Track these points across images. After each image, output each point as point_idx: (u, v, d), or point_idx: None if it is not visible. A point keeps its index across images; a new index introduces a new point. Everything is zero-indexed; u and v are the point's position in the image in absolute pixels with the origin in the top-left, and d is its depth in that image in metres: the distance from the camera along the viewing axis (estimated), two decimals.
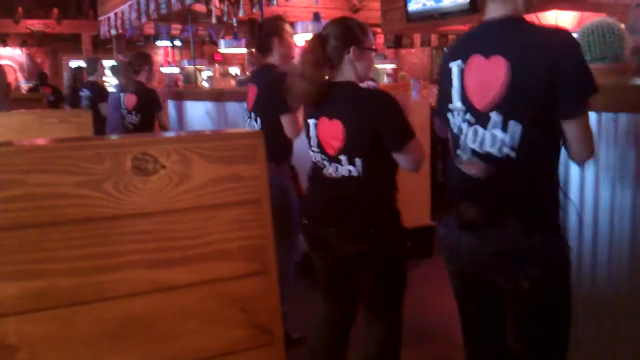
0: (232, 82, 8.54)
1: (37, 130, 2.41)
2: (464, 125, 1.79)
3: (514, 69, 1.67)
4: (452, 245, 1.92)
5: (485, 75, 1.73)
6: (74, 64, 15.81)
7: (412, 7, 6.35)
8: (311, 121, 2.29)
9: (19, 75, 15.65)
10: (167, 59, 15.84)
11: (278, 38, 3.09)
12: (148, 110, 5.02)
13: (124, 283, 1.08)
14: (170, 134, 1.40)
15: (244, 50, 9.84)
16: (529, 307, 1.81)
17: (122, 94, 5.11)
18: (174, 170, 1.11)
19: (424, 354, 3.16)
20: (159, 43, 15.27)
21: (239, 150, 1.16)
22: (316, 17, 7.85)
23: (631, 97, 2.25)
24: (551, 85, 1.63)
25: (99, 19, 12.72)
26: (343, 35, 2.26)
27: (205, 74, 16.03)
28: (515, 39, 1.72)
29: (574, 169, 2.44)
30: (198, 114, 6.40)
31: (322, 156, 2.24)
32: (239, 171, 1.16)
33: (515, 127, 1.68)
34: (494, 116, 1.71)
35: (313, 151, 2.30)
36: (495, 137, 1.71)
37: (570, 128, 1.67)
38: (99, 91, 6.70)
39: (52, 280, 1.03)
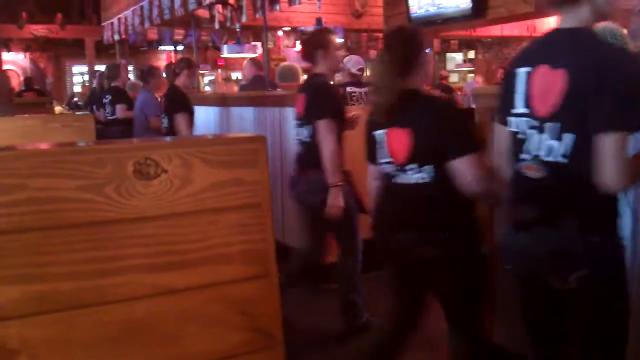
0: (235, 88, 8.55)
1: (40, 134, 2.42)
2: (527, 130, 1.84)
3: (572, 79, 1.73)
4: (508, 244, 1.97)
5: (548, 84, 1.79)
6: (76, 68, 15.89)
7: (415, 12, 6.37)
8: (379, 132, 2.29)
9: (23, 80, 15.70)
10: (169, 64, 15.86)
11: (323, 50, 3.18)
12: (172, 113, 5.00)
13: (125, 287, 1.09)
14: (171, 138, 1.40)
15: (246, 55, 9.87)
16: (581, 308, 1.84)
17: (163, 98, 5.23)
18: (176, 174, 1.11)
19: None
20: (162, 48, 15.32)
21: (240, 155, 1.17)
22: (319, 22, 7.87)
23: None
24: (600, 97, 1.67)
25: (103, 24, 12.77)
26: (410, 43, 2.27)
27: (207, 78, 16.08)
28: (577, 50, 1.79)
29: None
30: (201, 118, 6.41)
31: (392, 166, 2.25)
32: (241, 175, 1.16)
33: (568, 136, 1.74)
34: (551, 124, 1.76)
35: (381, 162, 2.29)
36: (551, 144, 1.76)
37: (602, 143, 1.69)
38: (118, 94, 6.83)
39: (54, 283, 1.04)
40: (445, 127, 2.17)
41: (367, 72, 3.57)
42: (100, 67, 11.67)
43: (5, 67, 14.05)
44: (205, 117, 6.28)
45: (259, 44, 11.20)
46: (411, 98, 2.21)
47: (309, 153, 3.18)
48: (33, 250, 1.02)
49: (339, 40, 3.35)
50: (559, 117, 1.76)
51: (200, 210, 1.13)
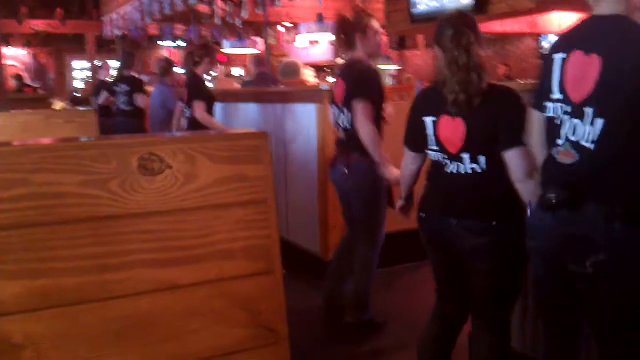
0: (235, 84, 8.54)
1: (42, 129, 2.42)
2: (562, 115, 1.87)
3: (606, 66, 1.75)
4: (533, 224, 2.00)
5: (582, 70, 1.81)
6: (77, 63, 15.86)
7: (416, 8, 6.35)
8: (428, 119, 2.23)
9: (24, 75, 15.68)
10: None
11: (360, 33, 3.13)
12: (191, 100, 4.73)
13: (128, 282, 1.09)
14: (176, 134, 1.40)
15: (247, 51, 9.85)
16: (596, 295, 1.85)
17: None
18: (180, 170, 1.11)
19: None
20: (162, 43, 15.29)
21: (244, 151, 1.16)
22: (319, 18, 7.85)
23: None
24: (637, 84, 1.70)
25: (103, 19, 12.75)
26: (471, 28, 2.22)
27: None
28: (614, 37, 1.81)
29: None
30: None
31: (443, 155, 2.22)
32: (245, 171, 1.16)
33: (599, 121, 1.76)
34: (584, 109, 1.79)
35: (431, 150, 2.26)
36: (583, 130, 1.80)
37: None
38: (137, 83, 6.42)
39: (57, 279, 1.04)
40: (502, 117, 2.15)
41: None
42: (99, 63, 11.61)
43: (5, 62, 14.03)
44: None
45: (259, 39, 11.19)
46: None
47: (350, 138, 3.13)
48: (36, 246, 1.02)
49: (376, 24, 3.26)
50: (591, 103, 1.78)
51: (204, 205, 1.13)
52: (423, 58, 13.99)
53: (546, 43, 9.49)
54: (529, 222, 2.04)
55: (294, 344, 1.23)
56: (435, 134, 2.22)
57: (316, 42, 11.73)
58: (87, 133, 2.43)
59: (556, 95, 1.88)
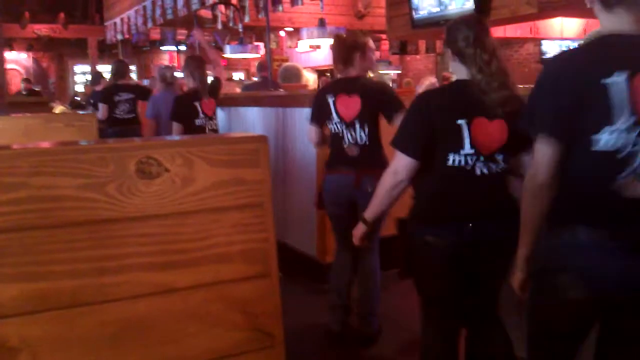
0: (237, 88, 8.56)
1: (42, 133, 2.42)
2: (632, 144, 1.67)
3: None
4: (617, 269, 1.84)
5: None
6: (79, 68, 15.90)
7: (418, 13, 6.36)
8: (461, 121, 2.16)
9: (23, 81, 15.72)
10: (172, 64, 15.90)
11: (360, 53, 3.24)
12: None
13: (126, 285, 1.09)
14: (174, 137, 1.40)
15: (249, 56, 9.87)
16: None
17: (197, 103, 4.77)
18: (178, 173, 1.11)
19: None
20: (164, 48, 15.32)
21: (242, 155, 1.17)
22: (321, 23, 7.87)
23: None
24: None
25: (105, 24, 12.79)
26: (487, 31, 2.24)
27: (210, 78, 16.07)
28: None
29: None
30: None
31: (473, 156, 2.15)
32: (242, 175, 1.16)
33: None
34: None
35: (459, 152, 2.16)
36: None
37: None
38: (147, 93, 6.39)
39: (54, 282, 1.04)
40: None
41: (370, 74, 3.53)
42: (102, 67, 11.63)
43: (8, 66, 14.05)
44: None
45: (261, 44, 11.21)
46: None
47: (371, 154, 3.16)
48: (34, 249, 1.02)
49: (372, 44, 3.40)
50: None
51: (202, 209, 1.13)
52: (424, 63, 14.01)
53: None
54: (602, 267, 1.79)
55: (290, 348, 1.23)
56: (471, 136, 2.15)
57: (318, 47, 11.76)
58: (87, 137, 2.43)
59: (623, 122, 1.65)
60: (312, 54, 13.10)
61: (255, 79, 8.54)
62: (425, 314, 2.38)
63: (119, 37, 11.75)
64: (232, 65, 15.93)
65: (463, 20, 2.25)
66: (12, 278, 1.01)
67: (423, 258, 2.25)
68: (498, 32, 7.47)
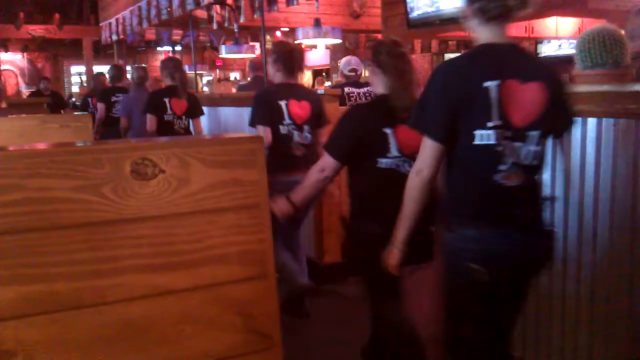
0: (232, 89, 8.55)
1: (38, 134, 2.41)
2: None
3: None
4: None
5: None
6: (74, 68, 15.88)
7: (413, 13, 6.37)
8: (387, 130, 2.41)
9: (20, 80, 15.68)
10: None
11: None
12: (195, 114, 5.23)
13: (122, 287, 1.08)
14: (169, 138, 1.40)
15: (244, 56, 9.85)
16: None
17: (166, 99, 5.05)
18: (173, 174, 1.11)
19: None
20: (159, 48, 15.32)
21: (238, 155, 1.16)
22: (317, 23, 7.85)
23: (631, 102, 2.25)
24: None
25: (100, 24, 12.76)
26: None
27: (205, 79, 16.09)
28: None
29: (575, 173, 2.46)
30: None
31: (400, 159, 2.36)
32: (238, 176, 1.16)
33: None
34: None
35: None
36: None
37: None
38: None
39: (50, 284, 1.03)
40: None
41: (365, 73, 3.58)
42: (97, 68, 11.58)
43: (2, 67, 14.02)
44: (202, 118, 6.27)
45: (257, 44, 11.19)
46: None
47: (314, 152, 3.41)
48: (29, 251, 1.02)
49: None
50: None
51: (198, 210, 1.13)
52: (419, 62, 14.03)
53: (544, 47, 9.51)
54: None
55: (288, 349, 1.22)
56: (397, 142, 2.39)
57: (314, 47, 11.76)
58: (83, 138, 2.43)
59: None
60: (308, 53, 13.10)
61: (249, 78, 8.56)
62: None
63: (114, 37, 11.72)
64: (227, 65, 15.92)
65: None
66: (8, 280, 1.00)
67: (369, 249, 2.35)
68: None
